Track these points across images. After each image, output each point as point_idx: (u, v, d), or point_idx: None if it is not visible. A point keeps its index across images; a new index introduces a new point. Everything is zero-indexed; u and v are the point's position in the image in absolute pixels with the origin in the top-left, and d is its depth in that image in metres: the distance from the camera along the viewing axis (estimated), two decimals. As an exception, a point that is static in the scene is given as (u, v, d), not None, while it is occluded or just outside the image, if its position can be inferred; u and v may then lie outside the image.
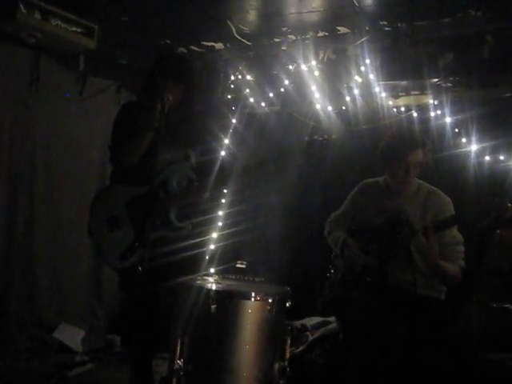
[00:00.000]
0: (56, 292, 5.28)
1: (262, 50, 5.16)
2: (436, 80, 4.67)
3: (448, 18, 4.36)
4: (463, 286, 3.78)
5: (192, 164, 3.67)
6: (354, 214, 3.98)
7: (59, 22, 4.56)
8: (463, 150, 4.71)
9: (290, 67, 5.11)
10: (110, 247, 3.50)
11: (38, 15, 4.41)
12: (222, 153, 4.75)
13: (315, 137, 3.62)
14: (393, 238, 3.63)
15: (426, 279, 3.65)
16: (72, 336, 5.06)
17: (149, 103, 3.41)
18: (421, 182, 3.88)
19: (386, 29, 4.61)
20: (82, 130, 5.45)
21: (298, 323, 4.88)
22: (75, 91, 5.36)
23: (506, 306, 3.83)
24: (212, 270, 4.48)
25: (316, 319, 4.93)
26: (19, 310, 5.00)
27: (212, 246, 4.86)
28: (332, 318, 4.75)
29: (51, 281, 5.25)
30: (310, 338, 4.69)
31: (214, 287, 3.23)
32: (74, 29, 4.65)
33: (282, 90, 5.21)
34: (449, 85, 4.71)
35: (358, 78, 4.90)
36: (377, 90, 4.89)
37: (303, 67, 5.01)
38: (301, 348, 4.57)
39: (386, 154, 3.84)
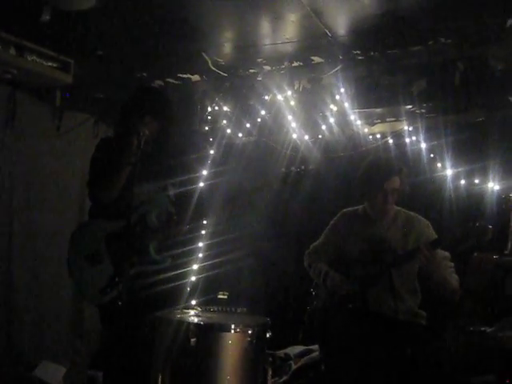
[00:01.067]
0: (36, 328, 5.20)
1: (238, 80, 5.19)
2: (410, 107, 4.73)
3: (419, 45, 4.43)
4: (443, 311, 3.80)
5: (170, 197, 3.68)
6: (335, 243, 4.00)
7: (35, 58, 4.55)
8: (439, 174, 4.77)
9: (266, 97, 5.15)
10: (89, 283, 3.47)
11: (13, 51, 4.40)
12: (201, 184, 4.76)
13: (292, 168, 3.66)
14: (374, 266, 3.66)
15: (407, 306, 3.68)
16: (53, 373, 4.98)
17: (125, 138, 3.42)
18: (398, 208, 3.92)
19: (360, 58, 4.68)
20: (60, 164, 5.41)
21: (281, 352, 4.88)
22: (52, 126, 5.34)
23: (483, 329, 3.85)
24: (193, 302, 4.46)
25: (299, 348, 4.92)
26: (-2, 348, 4.94)
27: (193, 278, 4.85)
28: (315, 347, 4.75)
29: (31, 318, 5.17)
30: (294, 367, 4.68)
31: (193, 320, 3.22)
32: (49, 64, 4.64)
33: (259, 120, 5.23)
34: (423, 111, 4.79)
35: (333, 107, 4.96)
36: (352, 117, 4.95)
37: (279, 97, 5.06)
38: (284, 378, 4.57)
39: (363, 183, 3.88)
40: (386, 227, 3.83)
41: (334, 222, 4.11)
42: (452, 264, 3.70)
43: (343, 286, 3.74)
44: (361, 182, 3.90)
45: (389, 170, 3.77)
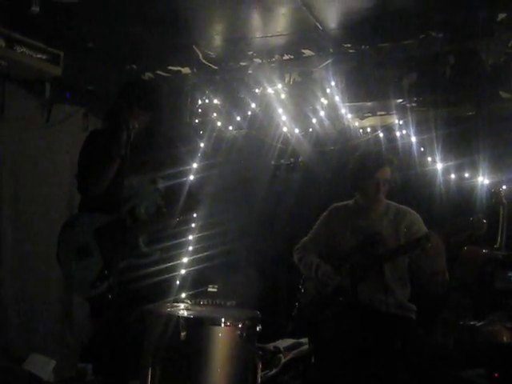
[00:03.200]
0: (25, 321, 5.19)
1: (229, 73, 5.19)
2: (401, 100, 4.74)
3: (410, 39, 4.43)
4: (432, 305, 3.81)
5: (160, 190, 3.67)
6: (325, 237, 4.01)
7: (24, 50, 4.53)
8: (429, 168, 4.78)
9: (257, 90, 5.15)
10: (79, 276, 3.46)
11: (2, 43, 4.38)
12: (191, 177, 4.75)
13: (282, 161, 3.65)
14: (365, 258, 3.67)
15: (397, 299, 3.69)
16: (43, 366, 4.97)
17: (115, 131, 3.41)
18: (388, 201, 3.93)
19: (351, 51, 4.68)
20: (49, 157, 5.39)
21: (270, 346, 4.89)
22: (42, 118, 5.31)
23: (473, 323, 3.87)
24: (183, 295, 4.46)
25: (289, 341, 4.93)
26: (-13, 341, 4.92)
27: (183, 271, 4.84)
28: (304, 340, 4.76)
29: (20, 310, 5.15)
30: (283, 360, 4.69)
31: (183, 314, 3.22)
32: (39, 56, 4.62)
33: (249, 113, 5.24)
34: (413, 105, 4.80)
35: (324, 100, 4.96)
36: (343, 111, 4.96)
37: (269, 90, 5.06)
38: (274, 370, 4.57)
39: (355, 173, 3.90)
40: (377, 219, 3.85)
41: (324, 216, 4.11)
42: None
43: (334, 278, 3.75)
44: (352, 172, 3.93)
45: (380, 161, 3.81)
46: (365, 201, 3.90)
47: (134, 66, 5.20)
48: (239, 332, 3.12)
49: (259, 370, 3.26)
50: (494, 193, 4.44)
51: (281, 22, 4.25)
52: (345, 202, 4.08)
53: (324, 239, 4.01)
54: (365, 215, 3.90)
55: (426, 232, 3.62)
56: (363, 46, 4.61)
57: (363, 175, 3.84)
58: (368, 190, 3.84)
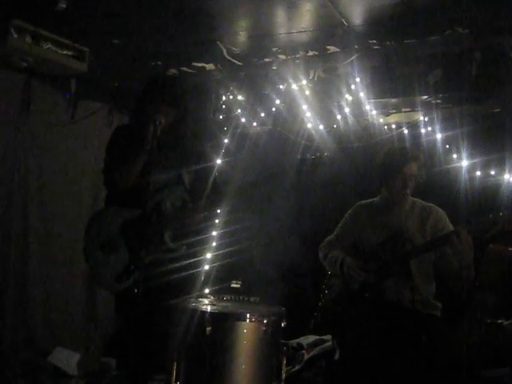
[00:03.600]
0: (50, 315, 5.24)
1: (253, 70, 5.18)
2: (426, 97, 4.72)
3: (436, 35, 4.39)
4: (458, 303, 3.79)
5: (185, 185, 3.68)
6: (351, 235, 4.01)
7: (50, 46, 4.56)
8: (454, 165, 4.75)
9: (281, 87, 5.14)
10: (105, 270, 3.49)
11: (29, 39, 4.42)
12: (215, 173, 4.76)
13: (307, 155, 3.64)
14: (392, 255, 3.67)
15: (423, 296, 3.67)
16: (67, 360, 5.02)
17: (141, 126, 3.43)
18: (415, 198, 3.92)
19: (376, 47, 4.65)
20: (74, 152, 5.44)
21: (293, 342, 4.89)
22: (67, 114, 5.36)
23: (500, 321, 3.84)
24: (207, 291, 4.47)
25: (311, 338, 4.93)
26: (13, 334, 4.97)
27: (207, 267, 4.86)
28: (327, 337, 4.76)
29: (45, 304, 5.21)
30: (306, 356, 4.69)
31: (208, 309, 3.22)
32: (65, 52, 4.65)
33: (274, 109, 5.23)
34: (438, 101, 4.77)
35: (348, 97, 4.94)
36: (367, 107, 4.94)
37: (294, 86, 5.04)
38: (297, 367, 4.58)
39: (383, 168, 3.90)
40: (403, 216, 3.83)
41: (348, 214, 4.11)
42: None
43: (361, 273, 3.74)
44: (380, 167, 3.93)
45: (407, 156, 3.82)
46: (391, 196, 3.89)
47: (159, 63, 5.21)
48: (264, 328, 3.11)
49: (284, 366, 3.25)
50: (520, 190, 4.40)
51: (305, 18, 4.23)
52: (370, 200, 4.07)
53: (350, 237, 4.01)
54: (391, 212, 3.89)
55: (456, 228, 3.59)
56: (388, 43, 4.57)
57: (390, 170, 3.83)
58: (395, 185, 3.83)
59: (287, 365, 3.73)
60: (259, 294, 4.32)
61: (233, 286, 4.86)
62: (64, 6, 3.98)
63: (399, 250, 3.65)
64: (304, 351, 4.82)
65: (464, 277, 3.65)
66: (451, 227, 3.70)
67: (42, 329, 5.17)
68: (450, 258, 3.58)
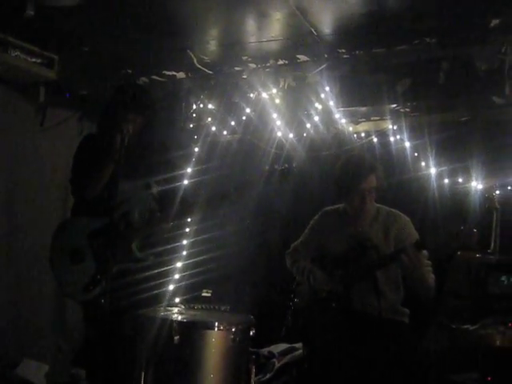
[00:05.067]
0: (17, 326, 5.17)
1: (223, 78, 5.19)
2: (395, 106, 4.76)
3: (404, 45, 4.44)
4: (425, 309, 3.82)
5: (154, 194, 3.67)
6: (316, 242, 4.00)
7: (19, 53, 4.52)
8: (423, 173, 4.80)
9: (251, 95, 5.15)
10: (72, 280, 3.47)
11: (-3, 46, 4.39)
12: (185, 182, 4.74)
13: (276, 166, 3.65)
14: (357, 264, 3.67)
15: (390, 303, 3.69)
16: (35, 372, 4.95)
17: (109, 135, 3.41)
18: (379, 205, 3.92)
19: (345, 56, 4.69)
20: (43, 161, 5.38)
21: (264, 350, 4.88)
22: (36, 122, 5.31)
23: (466, 326, 3.88)
24: (177, 300, 4.45)
25: (283, 346, 4.93)
26: (-21, 345, 4.90)
27: (177, 276, 4.84)
28: (298, 345, 4.76)
29: (12, 315, 5.14)
30: (277, 365, 4.69)
31: (176, 318, 3.22)
32: (34, 59, 4.62)
33: (244, 118, 5.24)
34: (407, 110, 4.81)
35: (318, 105, 4.96)
36: (337, 116, 4.96)
37: (264, 95, 5.06)
38: (268, 375, 4.57)
39: (339, 184, 3.87)
40: (367, 224, 3.84)
41: (314, 220, 4.10)
42: (430, 263, 3.70)
43: (327, 284, 3.75)
44: (336, 184, 3.89)
45: (363, 170, 3.73)
46: (352, 210, 3.88)
47: (129, 71, 5.19)
48: (232, 336, 3.12)
49: (253, 375, 3.26)
50: (487, 198, 4.45)
51: (275, 27, 4.25)
52: (336, 206, 4.06)
53: (315, 243, 4.00)
54: (354, 221, 3.87)
55: (404, 245, 3.61)
56: (357, 52, 4.61)
57: (347, 187, 3.79)
58: (354, 200, 3.79)
59: (258, 373, 3.73)
60: (230, 302, 4.31)
61: (203, 295, 4.84)
62: (32, 12, 3.95)
63: (363, 261, 3.66)
64: (275, 359, 4.81)
65: (423, 288, 3.66)
66: (415, 235, 3.72)
67: (9, 340, 5.09)
68: (404, 271, 3.62)
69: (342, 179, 3.83)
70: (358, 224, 3.84)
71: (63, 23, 4.31)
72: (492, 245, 4.31)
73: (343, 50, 4.61)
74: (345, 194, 3.85)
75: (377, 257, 3.64)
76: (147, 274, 3.51)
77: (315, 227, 4.07)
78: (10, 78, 4.86)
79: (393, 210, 3.91)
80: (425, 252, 3.64)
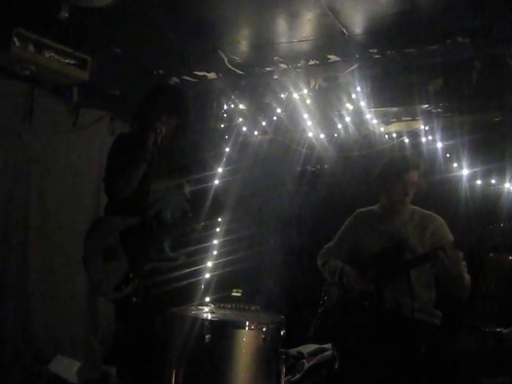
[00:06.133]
0: (51, 323, 5.23)
1: (254, 79, 5.20)
2: (426, 106, 4.73)
3: (436, 45, 4.41)
4: (457, 311, 3.78)
5: (186, 194, 3.69)
6: (350, 242, 4.00)
7: (53, 55, 4.57)
8: (455, 174, 4.75)
9: (282, 96, 5.16)
10: (104, 278, 3.50)
11: (31, 48, 4.43)
12: (216, 182, 4.76)
13: (307, 167, 3.65)
14: (391, 264, 3.65)
15: (423, 304, 3.66)
16: (67, 368, 5.02)
17: (142, 135, 3.44)
18: (414, 207, 3.91)
19: (376, 56, 4.67)
20: (76, 161, 5.45)
21: (294, 351, 4.88)
22: (69, 122, 5.37)
23: (499, 330, 3.84)
24: (208, 299, 4.47)
25: (312, 346, 4.92)
26: (14, 342, 4.96)
27: (207, 275, 4.86)
28: (328, 345, 4.75)
29: (46, 312, 5.21)
30: (306, 365, 4.68)
31: (208, 317, 3.23)
32: (67, 61, 4.66)
33: (275, 118, 5.25)
34: (439, 110, 4.78)
35: (349, 106, 4.95)
36: (368, 116, 4.95)
37: (295, 95, 5.06)
38: (297, 376, 4.56)
39: (383, 176, 3.89)
40: (402, 225, 3.83)
41: (348, 221, 4.11)
42: (465, 263, 3.67)
43: (360, 282, 3.74)
44: (380, 175, 3.92)
45: (408, 165, 3.81)
46: (391, 204, 3.88)
47: (161, 71, 5.24)
48: (263, 336, 3.12)
49: (283, 375, 3.26)
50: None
51: (307, 27, 4.26)
52: (370, 208, 4.06)
53: (348, 244, 4.00)
54: (390, 220, 3.88)
55: (442, 242, 3.58)
56: (389, 52, 4.60)
57: (391, 177, 3.82)
58: (395, 192, 3.82)
59: (287, 374, 3.72)
60: (260, 302, 4.31)
61: (233, 294, 4.84)
62: (66, 14, 3.99)
63: (398, 260, 3.64)
64: (304, 360, 4.81)
65: (458, 287, 3.62)
66: (451, 236, 3.69)
67: (42, 336, 5.17)
68: (440, 269, 3.58)
69: (387, 171, 3.87)
70: (394, 223, 3.84)
71: (96, 25, 4.36)
72: (525, 247, 4.26)
73: (375, 50, 4.59)
74: (387, 186, 3.86)
75: (412, 256, 3.62)
76: (178, 273, 3.53)
77: (349, 227, 4.07)
78: (44, 79, 4.92)
79: (427, 211, 3.90)
80: (462, 254, 3.61)
